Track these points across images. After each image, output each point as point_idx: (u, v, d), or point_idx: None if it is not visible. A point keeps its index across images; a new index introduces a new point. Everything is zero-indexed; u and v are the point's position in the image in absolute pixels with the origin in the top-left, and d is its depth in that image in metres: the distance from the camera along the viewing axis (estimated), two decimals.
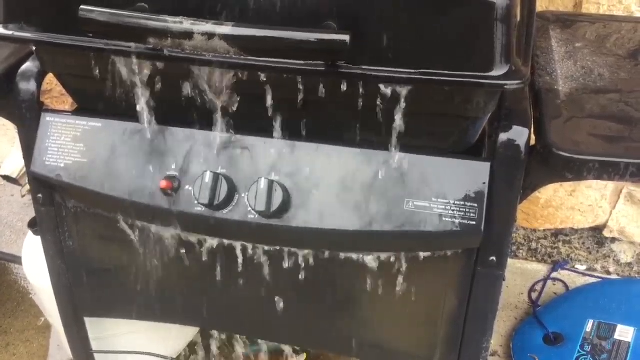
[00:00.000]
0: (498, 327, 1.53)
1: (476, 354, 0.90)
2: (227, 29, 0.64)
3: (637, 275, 1.68)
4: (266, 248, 0.86)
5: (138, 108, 0.80)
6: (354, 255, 0.83)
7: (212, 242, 0.88)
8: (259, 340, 1.37)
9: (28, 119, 0.88)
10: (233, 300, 0.95)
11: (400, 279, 0.84)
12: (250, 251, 0.87)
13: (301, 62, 0.67)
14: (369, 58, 0.67)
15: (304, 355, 1.38)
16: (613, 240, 1.65)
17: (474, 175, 0.76)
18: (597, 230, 1.65)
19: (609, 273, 1.70)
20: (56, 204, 0.94)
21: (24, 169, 1.64)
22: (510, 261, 1.69)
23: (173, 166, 0.82)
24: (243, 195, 0.80)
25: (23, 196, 1.75)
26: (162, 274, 0.95)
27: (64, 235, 0.97)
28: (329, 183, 0.78)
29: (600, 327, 1.39)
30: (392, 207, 0.77)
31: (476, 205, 0.75)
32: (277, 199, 0.78)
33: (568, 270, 1.69)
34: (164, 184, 0.81)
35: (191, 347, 1.38)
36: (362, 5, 0.65)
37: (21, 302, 1.65)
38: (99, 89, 0.81)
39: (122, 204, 0.85)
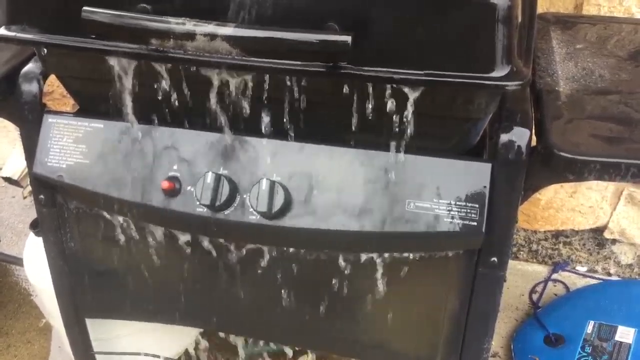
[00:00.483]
0: (499, 328, 1.53)
1: (477, 355, 0.90)
2: (229, 30, 0.65)
3: (637, 277, 1.68)
4: (267, 249, 0.86)
5: (134, 110, 0.80)
6: (355, 256, 0.84)
7: (213, 242, 0.88)
8: (260, 342, 1.37)
9: (30, 120, 0.88)
10: (234, 301, 0.95)
11: (401, 279, 0.84)
12: (251, 252, 0.87)
13: (303, 63, 0.67)
14: (371, 59, 0.67)
15: (306, 356, 1.38)
16: (613, 241, 1.65)
17: (475, 176, 0.76)
18: (598, 231, 1.65)
19: (609, 274, 1.70)
20: (58, 205, 0.94)
21: (25, 171, 1.65)
22: (510, 262, 1.68)
23: (175, 167, 0.82)
24: (245, 196, 0.80)
25: (24, 197, 1.75)
26: (163, 274, 0.95)
27: (66, 236, 0.97)
28: (330, 184, 0.79)
29: (601, 329, 1.39)
30: (394, 208, 0.77)
31: (477, 206, 0.75)
32: (279, 199, 0.78)
33: (569, 271, 1.69)
34: (165, 185, 0.81)
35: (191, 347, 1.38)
36: (364, 6, 0.65)
37: (22, 303, 1.65)
38: (101, 90, 0.81)
39: (124, 205, 0.85)
